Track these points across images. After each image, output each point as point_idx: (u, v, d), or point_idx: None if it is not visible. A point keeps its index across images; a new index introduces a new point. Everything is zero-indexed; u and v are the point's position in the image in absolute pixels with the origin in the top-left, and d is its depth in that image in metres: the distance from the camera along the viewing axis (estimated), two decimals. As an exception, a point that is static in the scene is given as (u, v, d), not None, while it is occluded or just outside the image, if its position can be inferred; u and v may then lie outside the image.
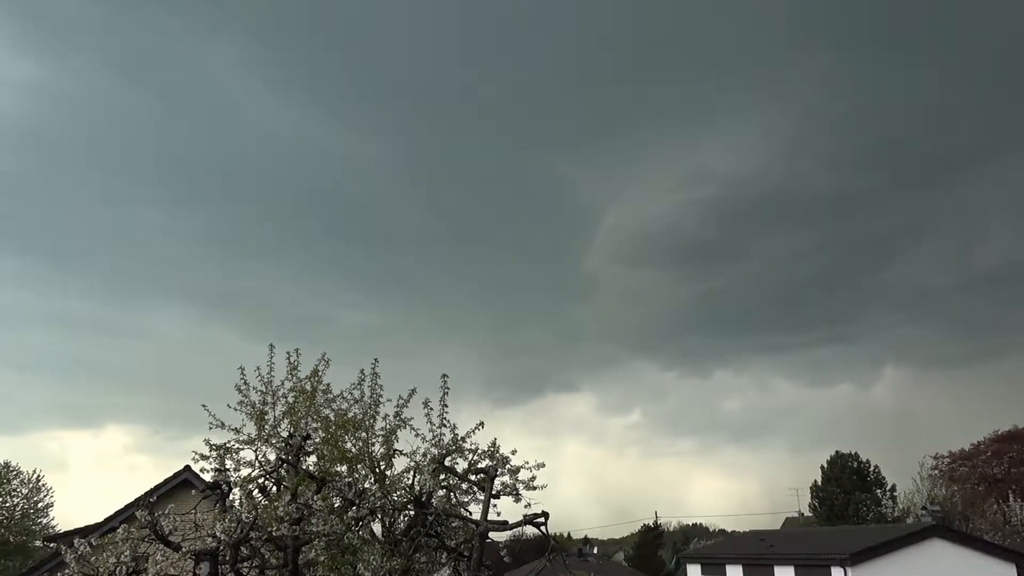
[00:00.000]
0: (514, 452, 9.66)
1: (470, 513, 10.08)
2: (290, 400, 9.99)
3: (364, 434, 10.02)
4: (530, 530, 9.87)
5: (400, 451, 10.01)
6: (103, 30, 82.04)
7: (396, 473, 9.98)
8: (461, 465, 9.91)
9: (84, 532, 12.50)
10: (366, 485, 9.82)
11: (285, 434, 9.74)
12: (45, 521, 48.08)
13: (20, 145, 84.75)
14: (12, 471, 47.39)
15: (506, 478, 9.61)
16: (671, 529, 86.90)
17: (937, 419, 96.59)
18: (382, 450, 9.99)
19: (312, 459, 9.84)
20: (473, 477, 9.89)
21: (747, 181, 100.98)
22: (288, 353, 10.21)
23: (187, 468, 17.93)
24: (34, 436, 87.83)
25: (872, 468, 54.37)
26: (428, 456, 9.69)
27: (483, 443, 9.78)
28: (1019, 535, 39.80)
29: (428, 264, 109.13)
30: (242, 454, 9.56)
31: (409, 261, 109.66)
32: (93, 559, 8.72)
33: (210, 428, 9.64)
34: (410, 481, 9.88)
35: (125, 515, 15.71)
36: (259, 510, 8.79)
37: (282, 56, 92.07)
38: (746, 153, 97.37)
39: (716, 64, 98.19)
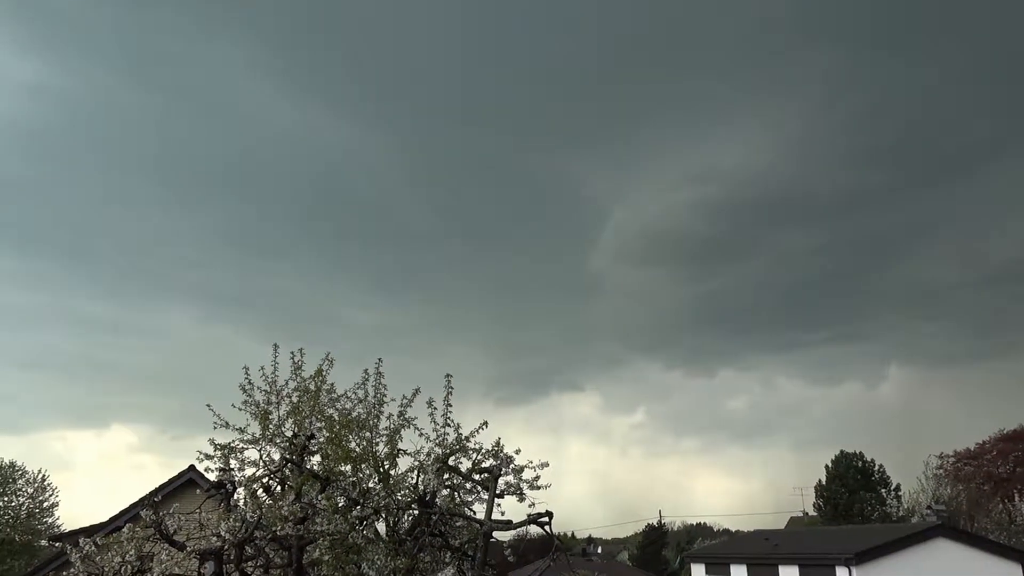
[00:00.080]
0: (518, 451, 9.65)
1: (474, 512, 10.08)
2: (294, 400, 10.00)
3: (368, 433, 10.03)
4: (534, 529, 9.89)
5: (404, 450, 10.02)
6: (111, 30, 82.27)
7: (400, 472, 9.99)
8: (465, 464, 9.91)
9: (89, 531, 12.54)
10: (370, 484, 9.83)
11: (289, 434, 9.75)
12: (50, 520, 48.27)
13: (30, 146, 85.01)
14: (17, 471, 47.57)
15: (510, 477, 9.60)
16: (675, 529, 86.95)
17: (943, 418, 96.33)
18: (386, 449, 10.00)
19: (316, 459, 9.85)
20: (477, 476, 9.88)
21: (753, 180, 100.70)
22: (292, 353, 10.24)
23: (192, 468, 18.00)
24: (40, 436, 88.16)
25: (877, 467, 54.36)
26: (432, 455, 9.69)
27: (487, 442, 9.78)
28: (1024, 534, 39.71)
29: (434, 263, 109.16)
30: (246, 454, 9.56)
31: (415, 260, 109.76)
32: (98, 558, 8.74)
33: (215, 428, 9.65)
34: (414, 480, 9.89)
35: (130, 514, 15.77)
36: (263, 510, 8.80)
37: (291, 56, 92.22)
38: (752, 152, 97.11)
39: (720, 63, 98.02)
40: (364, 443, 9.97)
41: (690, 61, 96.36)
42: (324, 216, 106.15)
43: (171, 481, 18.07)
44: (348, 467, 9.82)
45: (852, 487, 52.79)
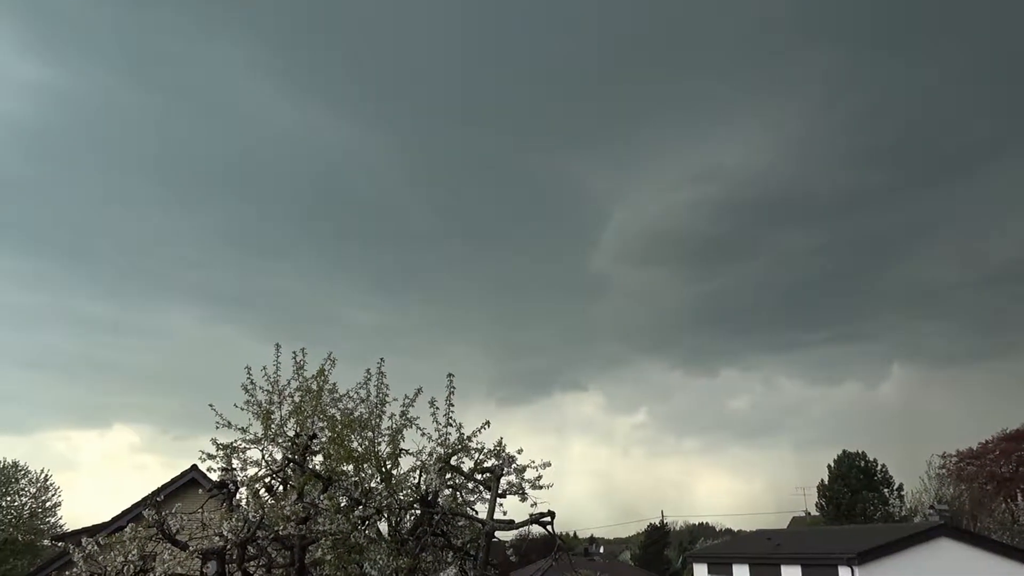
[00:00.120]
0: (520, 451, 9.66)
1: (476, 512, 10.07)
2: (296, 399, 10.01)
3: (370, 433, 10.04)
4: (536, 529, 9.85)
5: (406, 450, 10.02)
6: (111, 30, 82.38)
7: (402, 472, 9.99)
8: (467, 464, 9.91)
9: (92, 531, 12.54)
10: (372, 484, 9.84)
11: (291, 433, 9.76)
12: (53, 520, 48.28)
13: (30, 146, 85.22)
14: (20, 470, 47.63)
15: (512, 477, 9.60)
16: (677, 528, 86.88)
17: (945, 418, 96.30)
18: (388, 449, 10.01)
19: (318, 458, 9.86)
20: (479, 476, 9.88)
21: (754, 180, 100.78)
22: (294, 352, 10.24)
23: (194, 467, 18.00)
24: (42, 435, 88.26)
25: (879, 467, 54.29)
26: (434, 455, 9.69)
27: (489, 442, 9.79)
28: (1027, 534, 39.61)
29: (434, 263, 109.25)
30: (249, 453, 9.57)
31: (415, 260, 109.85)
32: (101, 558, 8.75)
33: (217, 428, 9.66)
34: (416, 480, 9.89)
35: (133, 514, 15.80)
36: (266, 509, 8.81)
37: (291, 56, 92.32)
38: (753, 152, 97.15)
39: (720, 63, 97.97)
40: (366, 443, 9.97)
41: (690, 61, 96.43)
42: (324, 216, 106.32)
43: (173, 481, 18.07)
44: (350, 467, 9.83)
45: (854, 487, 52.74)
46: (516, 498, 9.57)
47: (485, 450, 9.77)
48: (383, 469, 9.87)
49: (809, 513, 58.17)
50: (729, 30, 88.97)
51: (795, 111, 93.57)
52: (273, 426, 9.74)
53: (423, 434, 9.82)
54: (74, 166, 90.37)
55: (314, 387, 10.06)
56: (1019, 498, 43.31)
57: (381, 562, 9.52)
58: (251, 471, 9.55)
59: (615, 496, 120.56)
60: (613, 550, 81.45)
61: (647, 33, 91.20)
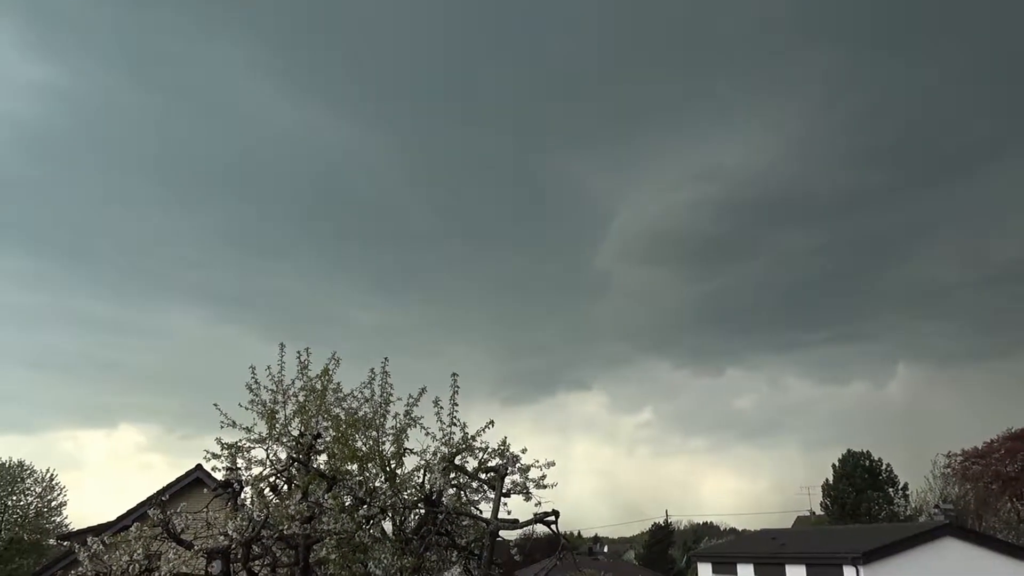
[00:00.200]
0: (524, 451, 9.65)
1: (480, 511, 10.07)
2: (301, 399, 10.02)
3: (374, 433, 10.03)
4: (541, 528, 9.86)
5: (410, 450, 10.01)
6: (111, 30, 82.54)
7: (406, 472, 9.99)
8: (471, 464, 9.91)
9: (97, 530, 12.56)
10: (377, 484, 9.84)
11: (296, 433, 9.77)
12: (58, 520, 48.48)
13: (30, 146, 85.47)
14: (26, 470, 47.81)
15: (516, 476, 9.60)
16: (682, 528, 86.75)
17: (950, 417, 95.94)
18: (392, 449, 10.00)
19: (323, 458, 9.86)
20: (483, 475, 9.88)
21: (754, 180, 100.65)
22: (299, 352, 10.25)
23: (199, 467, 18.04)
24: (48, 435, 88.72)
25: (884, 466, 54.16)
26: (438, 455, 9.69)
27: (493, 442, 9.78)
28: (1033, 534, 39.49)
29: (438, 263, 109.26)
30: (253, 453, 9.59)
31: (419, 260, 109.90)
32: (106, 557, 8.77)
33: (222, 427, 9.67)
34: (420, 480, 9.89)
35: (138, 513, 15.83)
36: (270, 509, 8.82)
37: (291, 56, 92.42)
38: (753, 152, 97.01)
39: (720, 63, 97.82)
40: (370, 442, 9.97)
41: (690, 61, 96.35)
42: (324, 216, 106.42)
43: (178, 480, 18.11)
44: (354, 466, 9.82)
45: (859, 486, 52.63)
46: (520, 497, 9.58)
47: (489, 449, 9.77)
48: (387, 468, 9.86)
49: (814, 513, 58.08)
50: (729, 30, 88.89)
51: (795, 111, 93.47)
52: (277, 425, 9.75)
53: (427, 433, 9.82)
54: (74, 166, 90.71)
55: (318, 387, 10.08)
56: (1025, 497, 43.18)
57: (385, 561, 9.53)
58: (256, 470, 9.58)
59: (619, 495, 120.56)
60: (617, 549, 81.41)
61: (647, 33, 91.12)
